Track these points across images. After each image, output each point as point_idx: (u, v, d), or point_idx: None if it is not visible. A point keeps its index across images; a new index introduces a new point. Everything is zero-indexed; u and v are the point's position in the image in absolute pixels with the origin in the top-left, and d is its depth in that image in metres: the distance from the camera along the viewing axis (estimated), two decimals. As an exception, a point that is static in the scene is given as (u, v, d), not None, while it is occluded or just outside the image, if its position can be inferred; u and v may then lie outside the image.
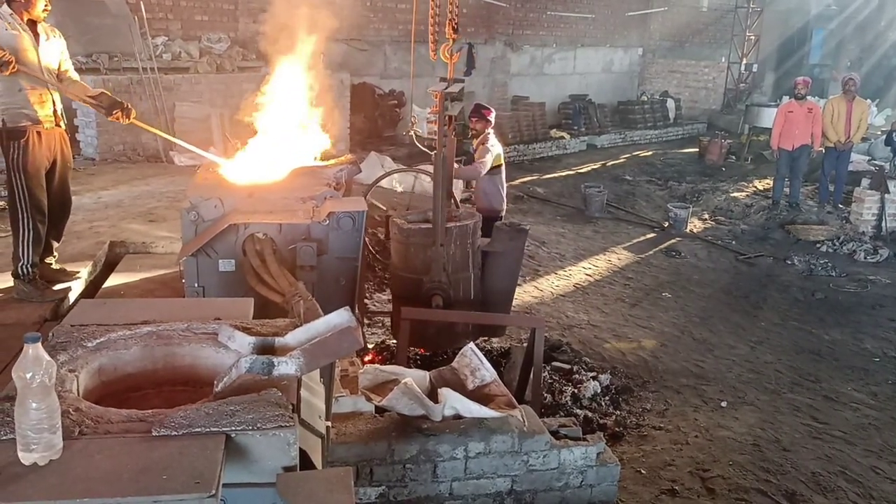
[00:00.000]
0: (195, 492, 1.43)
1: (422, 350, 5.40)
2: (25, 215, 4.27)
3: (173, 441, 1.59)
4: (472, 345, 3.48)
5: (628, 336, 6.47)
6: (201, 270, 3.75)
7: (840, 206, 10.66)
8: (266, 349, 2.01)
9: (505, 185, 6.65)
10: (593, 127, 16.39)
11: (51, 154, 4.34)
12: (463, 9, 5.96)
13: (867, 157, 12.73)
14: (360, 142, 11.91)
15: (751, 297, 7.71)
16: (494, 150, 6.34)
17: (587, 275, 8.14)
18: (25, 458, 1.49)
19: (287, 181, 4.19)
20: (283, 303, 2.98)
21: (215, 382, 1.84)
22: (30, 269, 4.36)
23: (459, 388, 3.28)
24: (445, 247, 4.72)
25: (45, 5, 4.19)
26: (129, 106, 4.40)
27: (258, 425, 1.64)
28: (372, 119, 12.89)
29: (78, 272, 4.82)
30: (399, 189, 9.34)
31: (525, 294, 7.21)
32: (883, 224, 9.74)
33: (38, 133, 4.22)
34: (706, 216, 10.90)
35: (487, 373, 3.38)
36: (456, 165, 6.57)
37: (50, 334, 2.07)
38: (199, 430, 1.62)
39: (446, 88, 4.58)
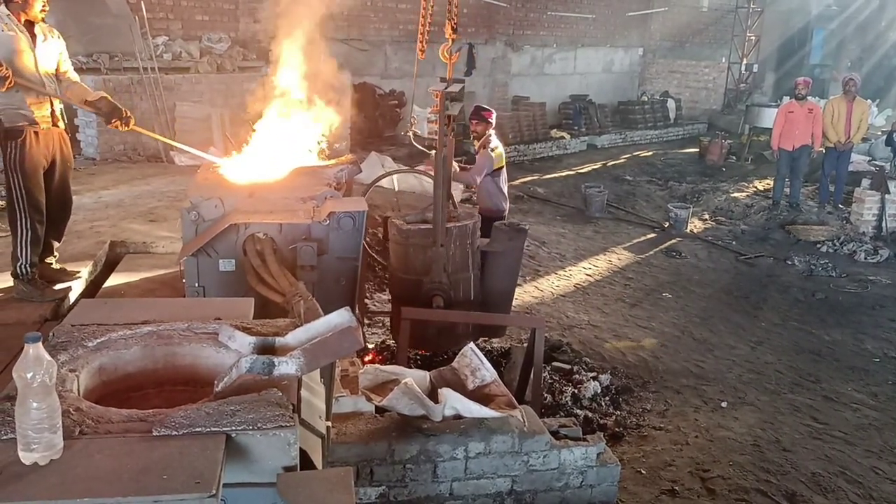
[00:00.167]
0: (195, 492, 1.43)
1: (422, 351, 5.40)
2: (23, 215, 4.26)
3: (174, 441, 1.59)
4: (472, 345, 3.48)
5: (628, 336, 6.47)
6: (202, 270, 3.75)
7: (840, 206, 10.66)
8: (266, 349, 2.01)
9: (506, 185, 6.64)
10: (594, 127, 16.38)
11: (49, 154, 4.33)
12: (463, 9, 5.97)
13: (867, 158, 12.73)
14: (360, 142, 11.90)
15: (751, 298, 7.71)
16: (496, 151, 6.33)
17: (587, 275, 8.14)
18: (26, 457, 1.50)
19: (287, 181, 4.20)
20: (283, 303, 2.99)
21: (216, 382, 1.84)
22: (29, 269, 4.36)
23: (460, 388, 3.28)
24: (445, 247, 4.72)
25: (43, 6, 4.16)
26: (129, 114, 4.38)
27: (259, 425, 1.64)
28: (372, 119, 12.89)
29: (78, 272, 4.82)
30: (396, 188, 9.33)
31: (525, 294, 7.21)
32: (883, 224, 9.74)
33: (36, 133, 4.21)
34: (706, 216, 10.90)
35: (488, 373, 3.38)
36: (462, 189, 6.59)
37: (50, 334, 2.08)
38: (199, 429, 1.62)
39: (446, 88, 4.58)
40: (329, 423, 2.18)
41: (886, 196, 9.70)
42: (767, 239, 9.88)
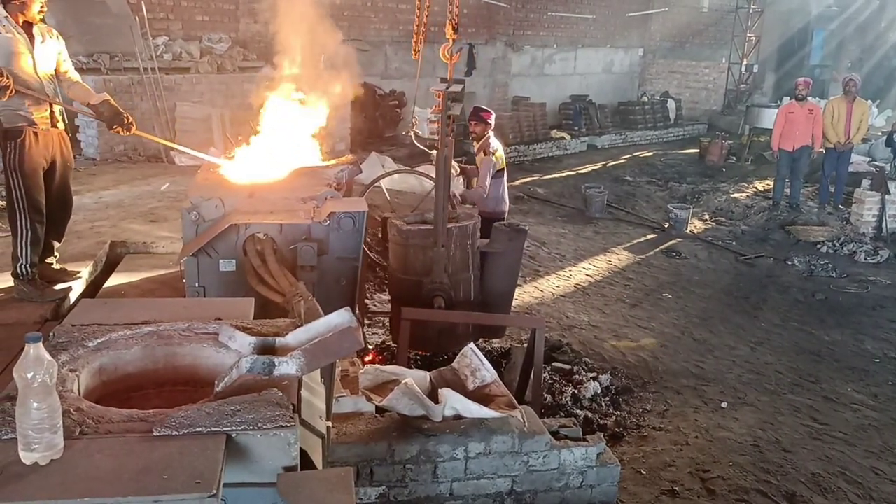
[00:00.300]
0: (196, 492, 1.43)
1: (422, 351, 5.40)
2: (23, 216, 4.26)
3: (174, 441, 1.59)
4: (472, 345, 3.48)
5: (628, 337, 6.47)
6: (202, 270, 3.76)
7: (840, 206, 10.66)
8: (267, 349, 2.01)
9: (507, 186, 6.64)
10: (594, 127, 16.38)
11: (49, 154, 4.33)
12: (464, 9, 5.97)
13: (867, 158, 12.73)
14: (360, 142, 11.91)
15: (751, 298, 7.71)
16: (497, 153, 6.33)
17: (587, 275, 8.14)
18: (27, 457, 1.50)
19: (288, 181, 4.20)
20: (283, 303, 2.99)
21: (216, 382, 1.84)
22: (29, 269, 4.35)
23: (460, 388, 3.28)
24: (446, 248, 4.72)
25: (41, 7, 4.15)
26: (131, 119, 4.37)
27: (259, 425, 1.64)
28: (372, 119, 12.89)
29: (79, 272, 4.82)
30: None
31: (525, 294, 7.21)
32: (883, 225, 9.74)
33: (35, 133, 4.20)
34: (706, 217, 10.90)
35: (488, 373, 3.38)
36: (461, 181, 6.59)
37: (51, 334, 2.08)
38: (199, 429, 1.62)
39: (447, 88, 4.59)
40: (329, 424, 2.18)
41: (886, 197, 9.70)
42: (767, 239, 9.88)
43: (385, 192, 8.33)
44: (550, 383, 5.33)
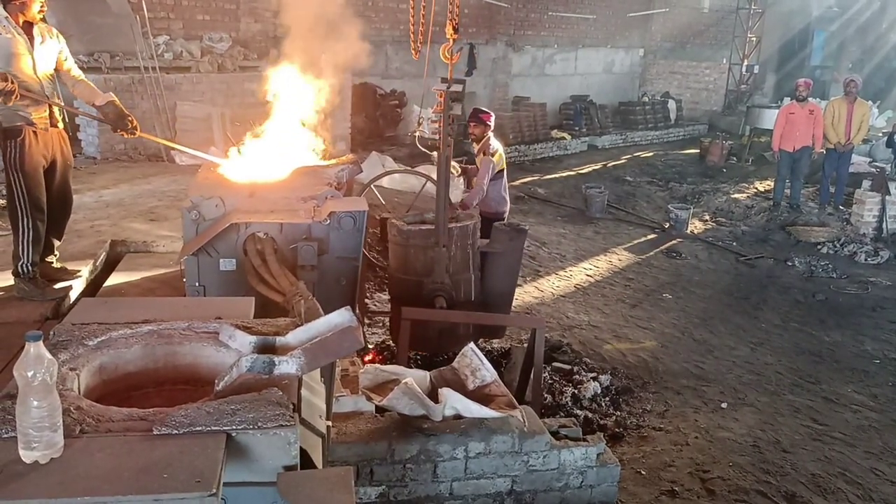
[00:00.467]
0: (196, 491, 1.43)
1: (423, 352, 5.40)
2: (25, 214, 4.26)
3: (174, 440, 1.59)
4: (472, 345, 3.48)
5: (629, 337, 6.47)
6: (202, 269, 3.75)
7: (841, 207, 10.66)
8: (267, 348, 2.01)
9: (507, 186, 6.64)
10: (594, 128, 16.39)
11: (49, 153, 4.33)
12: (464, 9, 5.97)
13: (868, 159, 12.73)
14: (361, 142, 11.91)
15: (751, 299, 7.71)
16: (497, 154, 6.33)
17: (588, 275, 8.14)
18: (27, 456, 1.50)
19: (288, 181, 4.20)
20: (283, 302, 2.99)
21: (216, 381, 1.84)
22: (30, 268, 4.35)
23: (460, 388, 3.28)
24: (447, 248, 4.72)
25: (41, 7, 4.14)
26: (136, 123, 4.38)
27: (259, 424, 1.64)
28: (373, 119, 12.90)
29: (79, 271, 4.82)
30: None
31: (526, 294, 7.21)
32: (884, 226, 9.74)
33: (35, 132, 4.20)
34: (707, 217, 10.90)
35: (488, 373, 3.38)
36: (462, 181, 6.58)
37: (51, 333, 2.07)
38: (199, 429, 1.62)
39: (448, 88, 4.59)
40: (329, 423, 2.18)
41: (887, 197, 9.70)
42: (768, 240, 9.88)
43: (377, 194, 8.33)
44: (550, 383, 5.33)
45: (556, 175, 13.11)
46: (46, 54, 4.23)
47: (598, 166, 14.01)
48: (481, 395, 3.28)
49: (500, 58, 15.88)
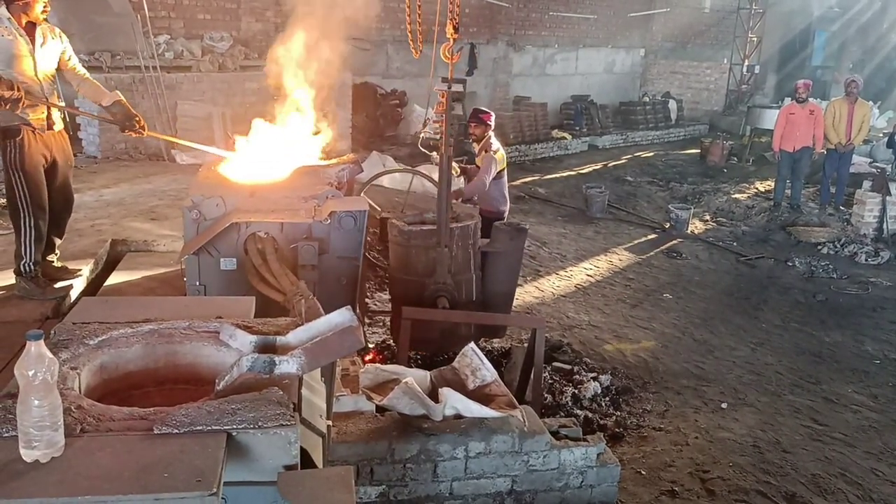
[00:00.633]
0: (196, 490, 1.43)
1: (424, 352, 5.40)
2: (27, 214, 4.26)
3: (175, 439, 1.59)
4: (472, 345, 3.49)
5: (629, 337, 6.47)
6: (203, 269, 3.76)
7: (841, 208, 10.66)
8: (267, 348, 2.01)
9: (507, 186, 6.64)
10: (595, 127, 16.39)
11: (49, 152, 4.33)
12: (465, 9, 5.97)
13: (869, 160, 12.72)
14: (361, 141, 11.91)
15: (752, 299, 7.71)
16: (498, 154, 6.33)
17: (588, 275, 8.14)
18: (27, 455, 1.50)
19: (289, 180, 4.20)
20: (284, 302, 2.99)
21: (217, 381, 1.84)
22: (32, 267, 4.36)
23: (460, 387, 3.28)
24: (448, 248, 4.71)
25: (44, 7, 4.14)
26: (143, 122, 4.38)
27: (259, 424, 1.64)
28: (374, 119, 12.90)
29: (79, 270, 4.82)
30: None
31: (526, 294, 7.21)
32: (884, 226, 9.73)
33: (33, 131, 4.21)
34: (707, 217, 10.90)
35: (488, 373, 3.38)
36: (462, 181, 6.59)
37: (52, 332, 2.07)
38: (200, 428, 1.62)
39: (450, 89, 4.59)
40: (330, 423, 2.18)
41: (887, 198, 9.69)
42: (768, 240, 9.88)
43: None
44: (551, 383, 5.33)
45: (557, 175, 13.11)
46: (48, 55, 4.23)
47: (598, 166, 14.01)
48: (481, 395, 3.28)
49: (500, 57, 15.88)
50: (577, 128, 15.99)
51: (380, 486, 3.23)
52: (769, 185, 12.18)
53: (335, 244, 3.75)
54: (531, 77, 16.73)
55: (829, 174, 10.84)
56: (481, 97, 14.73)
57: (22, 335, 1.56)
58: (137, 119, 4.34)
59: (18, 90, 3.92)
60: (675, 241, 9.65)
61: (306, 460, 1.76)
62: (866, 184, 10.08)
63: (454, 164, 5.90)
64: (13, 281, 4.48)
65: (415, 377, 3.26)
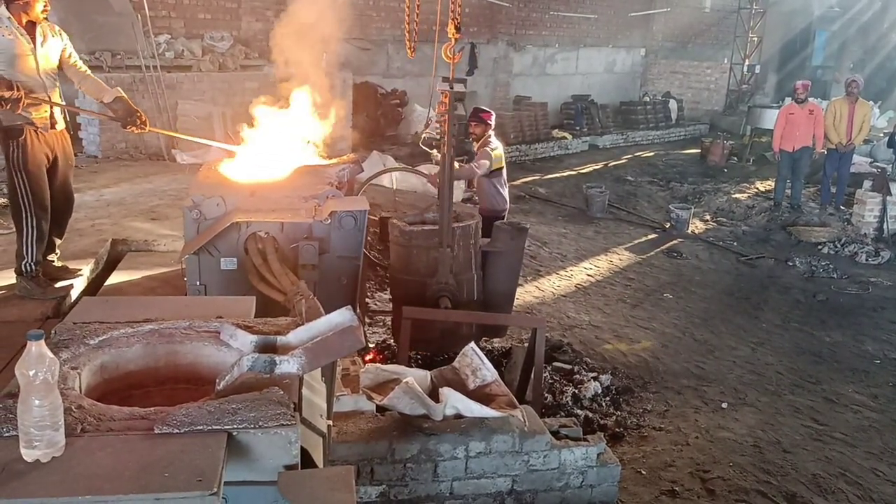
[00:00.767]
0: (197, 490, 1.43)
1: (425, 352, 5.40)
2: (29, 214, 4.26)
3: (175, 439, 1.59)
4: (473, 345, 3.49)
5: (629, 337, 6.47)
6: (203, 268, 3.76)
7: (842, 207, 10.66)
8: (268, 348, 2.01)
9: (507, 185, 6.64)
10: (595, 127, 16.39)
11: (51, 152, 4.33)
12: (466, 8, 5.97)
13: (869, 159, 12.73)
14: (362, 141, 11.91)
15: (752, 299, 7.71)
16: (496, 152, 6.33)
17: (588, 275, 8.14)
18: (28, 454, 1.50)
19: (289, 180, 4.20)
20: (284, 301, 2.99)
21: (217, 380, 1.84)
22: (33, 267, 4.36)
23: (460, 387, 3.29)
24: (451, 248, 4.71)
25: (45, 6, 4.14)
26: (145, 118, 4.38)
27: (260, 424, 1.64)
28: (374, 118, 12.90)
29: (80, 270, 4.82)
30: (395, 187, 9.33)
31: (526, 294, 7.21)
32: (884, 226, 9.74)
33: (36, 131, 4.21)
34: (708, 217, 10.90)
35: (488, 373, 3.38)
36: (464, 188, 6.60)
37: (52, 332, 2.08)
38: (200, 428, 1.62)
39: (452, 88, 4.58)
40: (330, 422, 2.18)
41: (888, 198, 9.70)
42: (769, 240, 9.88)
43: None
44: (551, 383, 5.33)
45: (557, 175, 13.10)
46: (49, 54, 4.23)
47: (599, 166, 14.01)
48: (482, 395, 3.28)
49: (501, 57, 15.88)
50: (578, 127, 15.99)
51: (380, 485, 3.23)
52: (769, 184, 12.18)
53: (335, 244, 3.75)
54: (532, 77, 16.73)
55: (829, 174, 10.84)
56: (482, 97, 14.73)
57: (23, 335, 1.56)
58: (139, 115, 4.34)
59: (18, 90, 3.92)
60: (675, 241, 9.65)
61: (307, 460, 1.76)
62: (867, 183, 10.08)
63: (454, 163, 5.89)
64: (14, 280, 4.48)
65: (415, 377, 3.26)
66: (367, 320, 5.80)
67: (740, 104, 17.90)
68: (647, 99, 18.54)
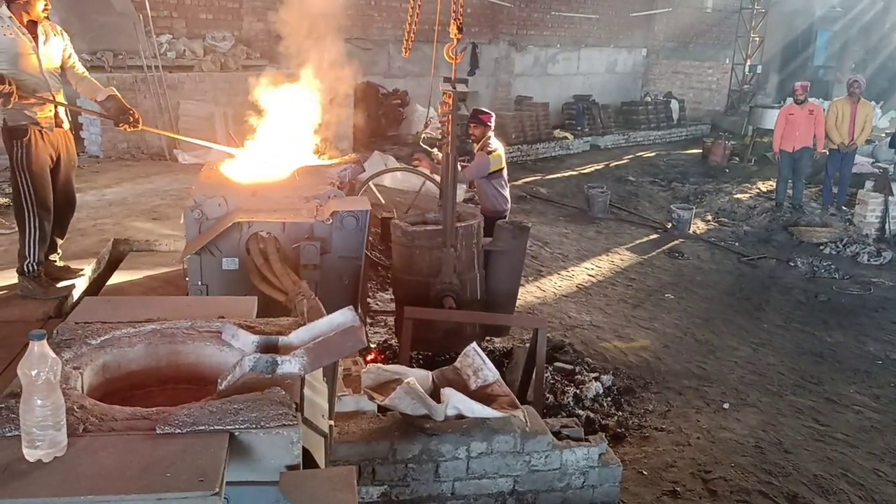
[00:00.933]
0: (199, 490, 1.43)
1: (427, 352, 5.39)
2: (31, 214, 4.27)
3: (177, 439, 1.59)
4: (474, 345, 3.48)
5: (631, 337, 6.47)
6: (205, 268, 3.76)
7: (843, 208, 10.66)
8: (269, 348, 2.01)
9: (507, 186, 6.63)
10: (597, 127, 16.38)
11: (55, 152, 4.34)
12: (467, 8, 5.96)
13: (871, 160, 12.72)
14: (363, 141, 11.91)
15: (753, 299, 7.70)
16: (494, 154, 6.32)
17: (590, 275, 8.14)
18: (30, 454, 1.50)
19: (291, 180, 4.20)
20: (286, 301, 2.99)
21: (219, 381, 1.84)
22: (35, 267, 4.37)
23: (462, 387, 3.28)
24: (454, 248, 4.71)
25: (46, 5, 4.15)
26: (137, 115, 4.39)
27: (262, 424, 1.64)
28: (375, 118, 12.90)
29: (82, 269, 4.83)
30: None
31: (528, 294, 7.21)
32: (886, 226, 9.73)
33: (40, 132, 4.22)
34: (709, 217, 10.89)
35: (490, 373, 3.38)
36: (465, 189, 6.61)
37: (55, 331, 2.08)
38: (202, 428, 1.62)
39: (455, 89, 4.58)
40: (332, 422, 2.18)
41: (890, 198, 9.69)
42: (770, 240, 9.87)
43: (376, 192, 8.33)
44: (552, 383, 5.33)
45: (559, 175, 13.10)
46: (51, 52, 4.24)
47: (600, 166, 14.00)
48: (483, 395, 3.28)
49: (502, 57, 15.88)
50: (579, 128, 15.98)
51: (382, 486, 3.23)
52: (771, 185, 12.17)
53: (337, 244, 3.75)
54: (533, 77, 16.73)
55: (831, 174, 10.83)
56: (483, 97, 14.74)
57: (25, 335, 1.56)
58: (132, 112, 4.35)
59: (10, 84, 3.92)
60: (676, 242, 9.64)
61: (308, 460, 1.76)
62: (868, 184, 10.07)
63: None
64: (16, 280, 4.48)
65: (417, 377, 3.26)
66: (368, 320, 5.80)
67: (742, 104, 17.89)
68: (649, 99, 18.53)
